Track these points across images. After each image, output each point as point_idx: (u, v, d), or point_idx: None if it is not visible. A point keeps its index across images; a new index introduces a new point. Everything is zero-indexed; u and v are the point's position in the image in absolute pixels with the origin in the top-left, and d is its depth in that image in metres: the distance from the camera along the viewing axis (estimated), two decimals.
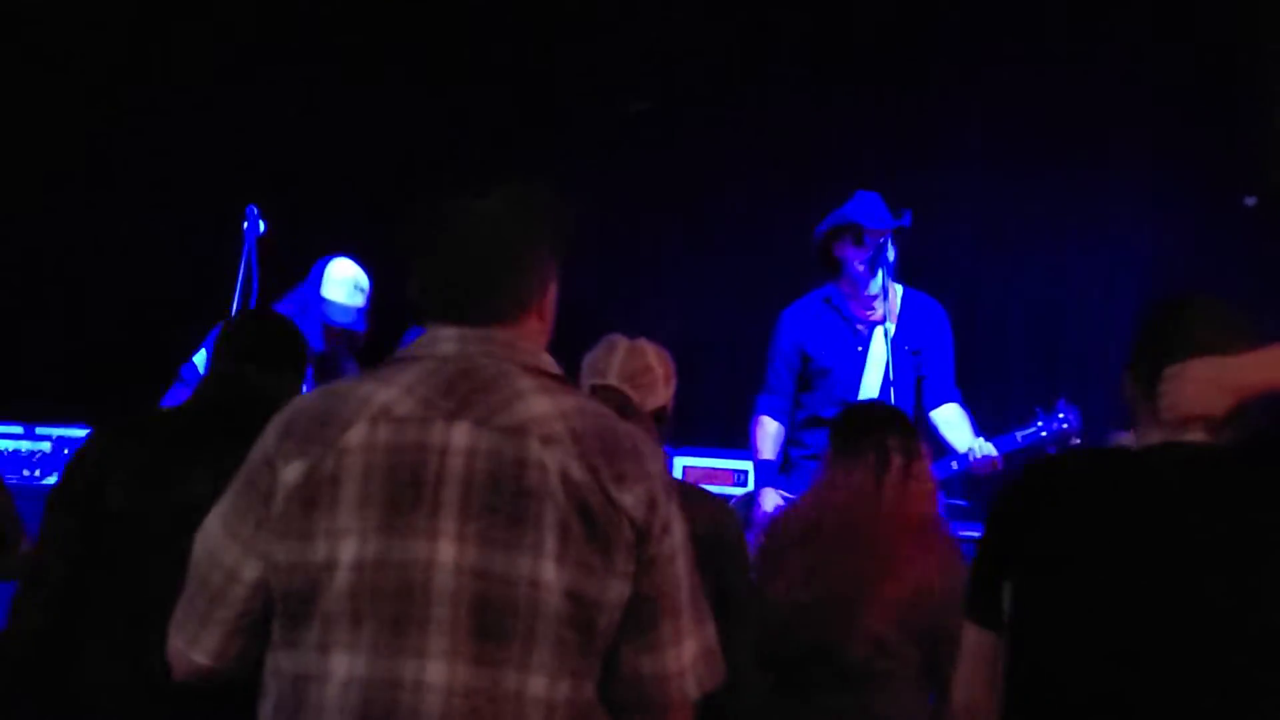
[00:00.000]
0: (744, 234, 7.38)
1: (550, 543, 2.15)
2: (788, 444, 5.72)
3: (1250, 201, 6.38)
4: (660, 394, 3.78)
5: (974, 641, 2.68)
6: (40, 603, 3.09)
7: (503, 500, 2.15)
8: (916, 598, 3.72)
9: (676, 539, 2.25)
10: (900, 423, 4.04)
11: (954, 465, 5.58)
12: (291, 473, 2.19)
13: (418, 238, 2.32)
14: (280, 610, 2.20)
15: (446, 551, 2.14)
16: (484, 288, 2.30)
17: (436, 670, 2.11)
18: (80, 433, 5.91)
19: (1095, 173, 7.06)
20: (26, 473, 5.92)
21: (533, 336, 2.34)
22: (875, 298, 5.64)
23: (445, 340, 2.29)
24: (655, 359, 3.80)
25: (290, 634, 2.18)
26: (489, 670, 2.12)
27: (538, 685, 2.14)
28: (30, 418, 6.05)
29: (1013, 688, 2.59)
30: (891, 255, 5.61)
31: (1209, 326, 2.58)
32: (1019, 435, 5.56)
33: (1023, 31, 6.98)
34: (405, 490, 2.16)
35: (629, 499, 2.19)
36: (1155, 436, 2.59)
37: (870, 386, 5.62)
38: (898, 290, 5.70)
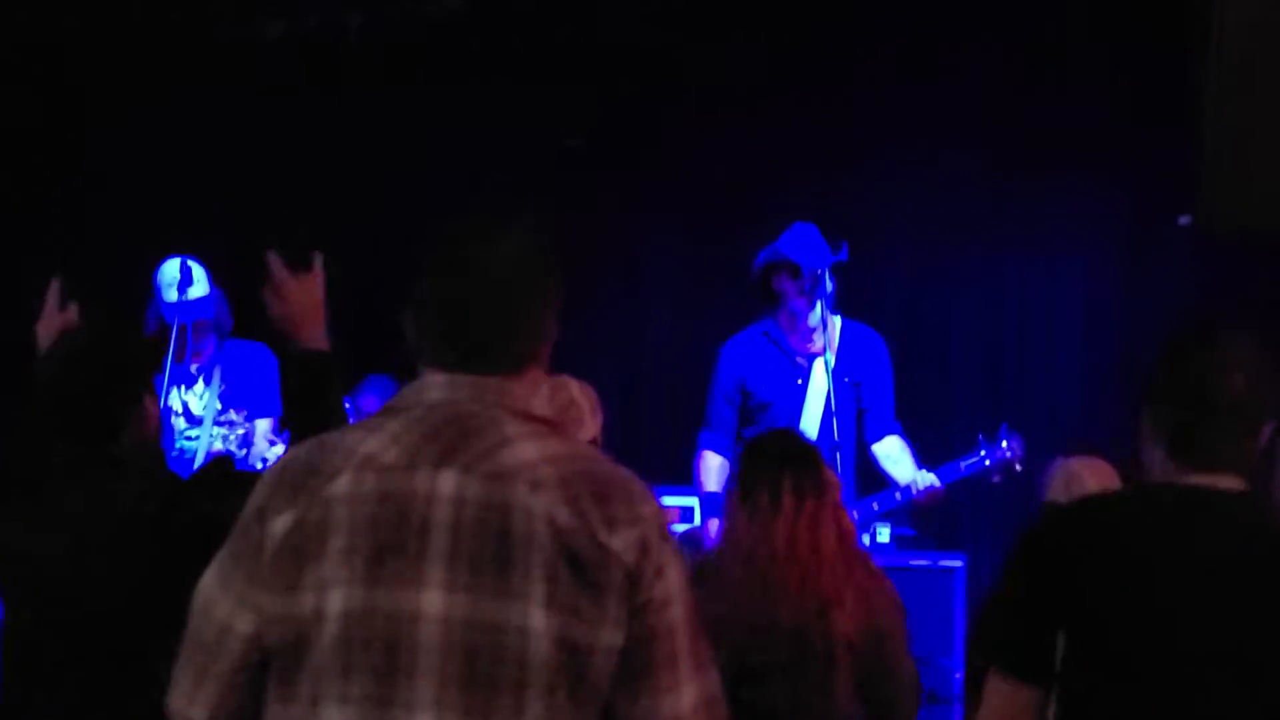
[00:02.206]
0: (680, 268, 7.35)
1: (538, 589, 2.12)
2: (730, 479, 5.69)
3: (1184, 220, 6.39)
4: (589, 427, 3.81)
5: (1007, 695, 2.57)
6: None
7: (489, 547, 2.13)
8: (857, 638, 3.65)
9: (672, 583, 2.19)
10: (799, 459, 3.88)
11: (897, 496, 5.59)
12: (280, 524, 2.17)
13: (422, 282, 2.27)
14: (273, 664, 2.18)
15: (433, 601, 2.12)
16: (489, 338, 2.26)
17: None
18: None
19: (1030, 195, 7.06)
20: None
21: (530, 383, 2.31)
22: (814, 330, 5.64)
23: (434, 387, 2.25)
24: (579, 393, 3.84)
25: (283, 688, 2.17)
26: None
27: None
28: None
29: None
30: (830, 287, 5.61)
31: (1241, 372, 2.57)
32: (962, 464, 5.58)
33: (958, 54, 6.97)
34: (391, 539, 2.14)
35: (618, 543, 2.15)
36: (1181, 478, 2.59)
37: (811, 419, 5.61)
38: (836, 322, 5.71)
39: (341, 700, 2.11)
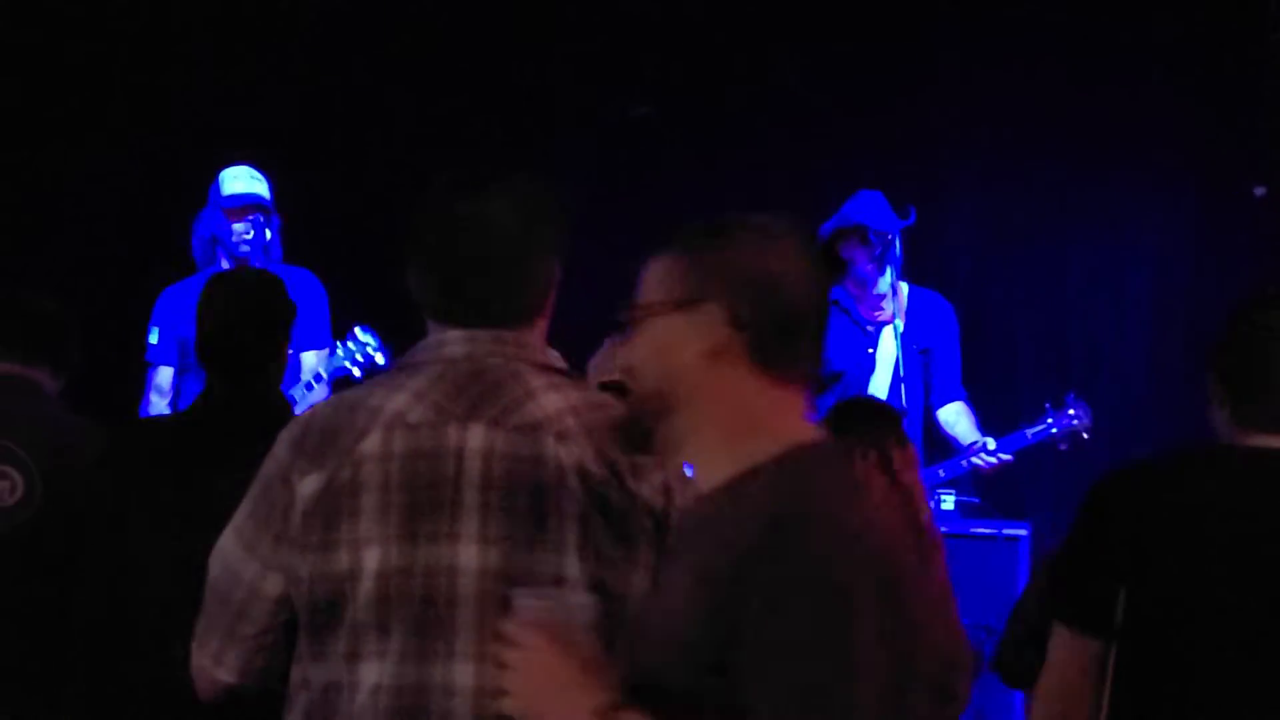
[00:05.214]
0: None
1: (572, 539, 2.16)
2: None
3: (1260, 192, 6.33)
4: None
5: (1069, 648, 2.60)
6: None
7: (522, 499, 2.17)
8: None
9: None
10: (885, 423, 3.89)
11: (964, 464, 5.59)
12: (308, 486, 2.20)
13: (428, 239, 2.30)
14: (306, 623, 2.21)
15: (469, 554, 2.15)
16: (503, 291, 2.28)
17: (464, 672, 2.12)
18: None
19: (1100, 164, 7.01)
20: None
21: (541, 335, 2.34)
22: (883, 297, 5.63)
23: (453, 343, 2.27)
24: None
25: (317, 646, 2.20)
26: None
27: None
28: None
29: (1132, 699, 2.55)
30: (898, 253, 5.60)
31: None
32: (1029, 432, 5.57)
33: (1025, 23, 6.93)
34: (424, 496, 2.17)
35: (646, 489, 2.20)
36: (1244, 439, 2.60)
37: (880, 387, 5.61)
38: (904, 288, 5.70)
39: (380, 656, 2.15)
